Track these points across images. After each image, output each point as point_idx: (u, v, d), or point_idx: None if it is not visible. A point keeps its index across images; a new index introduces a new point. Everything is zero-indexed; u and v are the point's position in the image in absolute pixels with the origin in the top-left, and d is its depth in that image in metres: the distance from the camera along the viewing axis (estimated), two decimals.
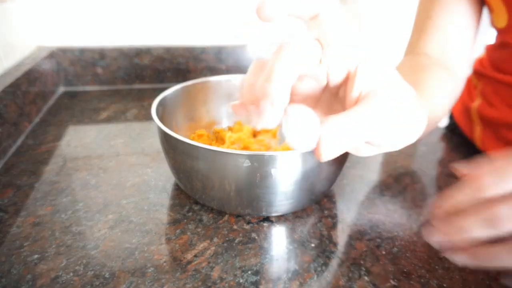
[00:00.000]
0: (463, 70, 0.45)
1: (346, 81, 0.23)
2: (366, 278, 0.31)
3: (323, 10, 0.19)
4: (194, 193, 0.38)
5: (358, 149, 0.27)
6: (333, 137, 0.21)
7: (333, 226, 0.37)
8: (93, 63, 0.72)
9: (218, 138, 0.48)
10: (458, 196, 0.21)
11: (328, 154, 0.21)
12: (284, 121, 0.22)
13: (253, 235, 0.35)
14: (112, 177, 0.43)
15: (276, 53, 0.20)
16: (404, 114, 0.24)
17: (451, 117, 0.62)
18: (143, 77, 0.75)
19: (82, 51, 0.70)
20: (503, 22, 0.43)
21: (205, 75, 0.77)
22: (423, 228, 0.30)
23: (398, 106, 0.23)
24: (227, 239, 0.35)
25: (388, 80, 0.23)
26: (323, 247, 0.34)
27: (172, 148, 0.35)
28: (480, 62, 0.55)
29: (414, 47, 0.46)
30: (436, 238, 0.22)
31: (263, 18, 0.16)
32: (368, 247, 0.34)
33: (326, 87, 0.25)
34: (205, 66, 0.77)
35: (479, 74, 0.54)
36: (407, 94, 0.25)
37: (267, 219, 0.37)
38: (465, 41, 0.44)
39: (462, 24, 0.44)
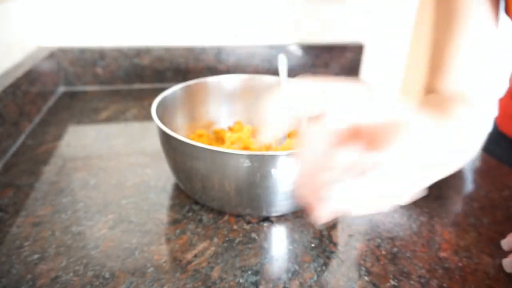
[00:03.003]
0: (483, 101, 0.43)
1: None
2: (366, 278, 0.31)
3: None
4: (194, 193, 0.38)
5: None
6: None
7: (333, 226, 0.37)
8: (93, 63, 0.72)
9: (218, 138, 0.48)
10: None
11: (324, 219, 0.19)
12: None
13: (253, 235, 0.35)
14: (112, 177, 0.43)
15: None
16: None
17: None
18: (143, 77, 0.75)
19: (82, 51, 0.70)
20: None
21: (205, 75, 0.77)
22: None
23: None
24: (227, 239, 0.35)
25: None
26: (323, 247, 0.34)
27: (172, 148, 0.35)
28: None
29: (429, 87, 0.45)
30: None
31: None
32: (368, 247, 0.34)
33: None
34: (205, 66, 0.77)
35: None
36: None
37: (267, 219, 0.37)
38: (484, 74, 0.43)
39: (479, 59, 0.42)
